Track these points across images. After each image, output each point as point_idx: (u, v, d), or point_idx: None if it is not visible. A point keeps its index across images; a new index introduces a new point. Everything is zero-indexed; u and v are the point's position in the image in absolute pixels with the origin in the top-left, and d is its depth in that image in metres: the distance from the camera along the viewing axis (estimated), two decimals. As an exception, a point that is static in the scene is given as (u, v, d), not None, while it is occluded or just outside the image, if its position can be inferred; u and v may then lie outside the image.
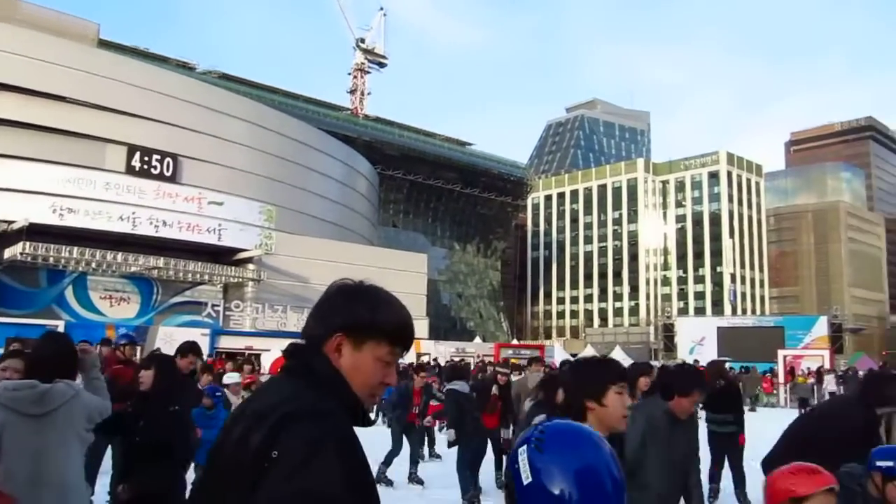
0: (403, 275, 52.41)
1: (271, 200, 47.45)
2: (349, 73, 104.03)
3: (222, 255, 44.33)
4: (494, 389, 10.88)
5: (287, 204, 50.11)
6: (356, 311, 1.77)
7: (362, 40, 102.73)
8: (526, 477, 1.42)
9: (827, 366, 32.18)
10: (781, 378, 33.56)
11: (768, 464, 4.26)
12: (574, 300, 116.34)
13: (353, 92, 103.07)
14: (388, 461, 11.14)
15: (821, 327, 52.23)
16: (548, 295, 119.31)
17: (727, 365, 27.78)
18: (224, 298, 45.68)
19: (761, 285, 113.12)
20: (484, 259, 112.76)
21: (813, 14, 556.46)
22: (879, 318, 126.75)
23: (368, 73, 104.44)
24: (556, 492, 1.38)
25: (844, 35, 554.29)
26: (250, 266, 44.94)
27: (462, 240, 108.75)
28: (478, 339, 58.68)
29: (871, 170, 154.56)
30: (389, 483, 10.81)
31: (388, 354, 1.76)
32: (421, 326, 47.33)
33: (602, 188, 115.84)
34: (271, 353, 24.72)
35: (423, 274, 58.42)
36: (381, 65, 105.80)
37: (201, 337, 26.74)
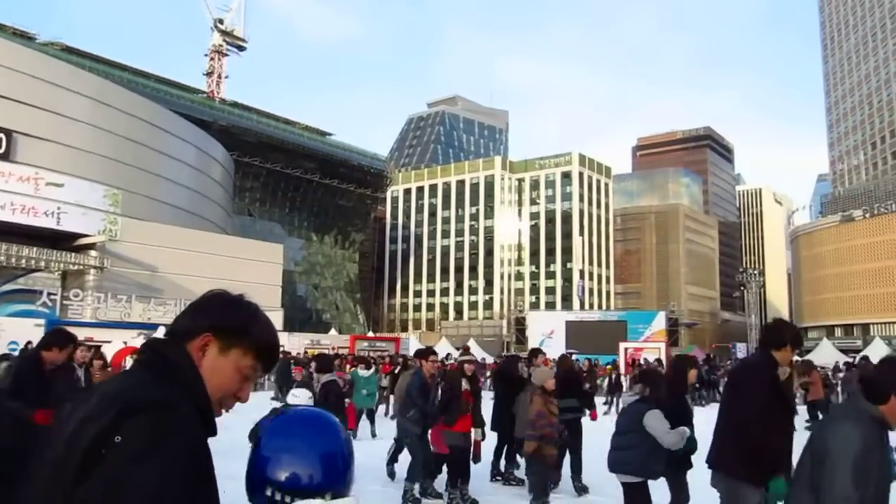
0: (258, 265, 51.14)
1: (117, 184, 44.84)
2: (206, 55, 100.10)
3: (61, 241, 41.39)
4: (464, 384, 9.42)
5: (134, 188, 47.60)
6: (232, 315, 1.73)
7: (221, 21, 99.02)
8: (256, 462, 1.54)
9: (663, 357, 34.22)
10: (623, 369, 35.55)
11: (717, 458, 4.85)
12: (431, 293, 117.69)
13: (209, 74, 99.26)
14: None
15: (659, 322, 55.51)
16: (405, 288, 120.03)
17: (573, 357, 28.98)
18: (63, 287, 42.78)
19: (607, 281, 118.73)
20: (342, 251, 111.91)
21: (661, 29, 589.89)
22: (711, 313, 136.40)
23: (227, 55, 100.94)
24: (281, 475, 1.49)
25: (689, 49, 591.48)
26: (92, 253, 42.23)
27: (320, 231, 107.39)
28: (333, 331, 58.18)
29: (707, 176, 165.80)
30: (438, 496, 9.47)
31: (250, 368, 1.71)
32: (275, 318, 46.09)
33: (461, 184, 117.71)
34: (113, 344, 23.44)
35: (278, 264, 57.19)
36: (241, 48, 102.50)
37: (35, 328, 24.98)
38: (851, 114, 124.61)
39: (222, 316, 1.72)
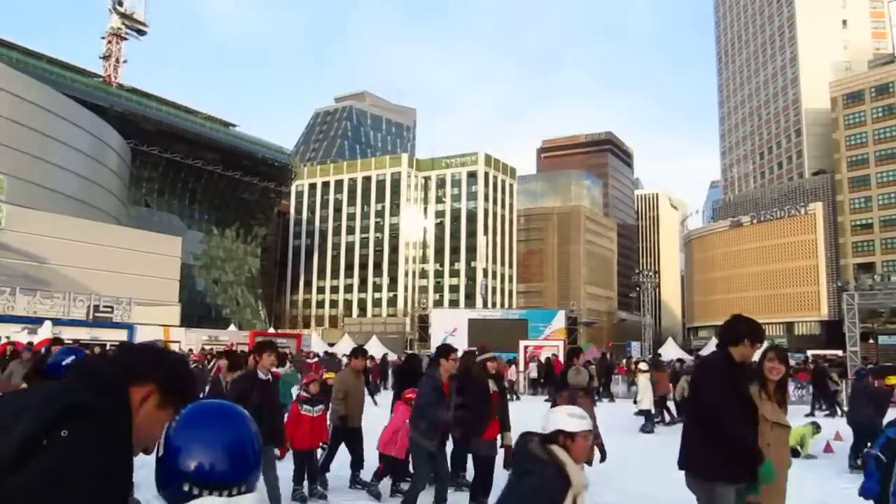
0: (154, 258, 49.46)
1: (3, 169, 42.49)
2: (103, 38, 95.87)
3: (-63, 228, 39.03)
4: (492, 385, 8.59)
5: (22, 174, 45.21)
6: (181, 376, 1.78)
7: (120, 3, 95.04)
8: (162, 451, 1.55)
9: (561, 356, 35.00)
10: (522, 366, 36.26)
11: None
12: (334, 290, 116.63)
13: (106, 58, 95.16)
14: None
15: (559, 320, 56.66)
16: (308, 284, 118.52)
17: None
18: (-62, 277, 40.21)
19: (510, 280, 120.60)
20: (244, 245, 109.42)
21: (569, 34, 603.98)
22: (609, 312, 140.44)
23: (125, 39, 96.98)
24: (191, 467, 1.50)
25: (595, 56, 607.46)
26: (-28, 241, 39.97)
27: (221, 224, 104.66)
28: (233, 327, 56.87)
29: (608, 179, 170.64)
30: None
31: (165, 422, 1.72)
32: (172, 313, 44.91)
33: (367, 180, 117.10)
34: (-6, 338, 22.16)
35: (176, 258, 55.47)
36: (141, 32, 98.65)
37: None
38: (742, 124, 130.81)
39: (173, 373, 1.75)
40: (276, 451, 8.00)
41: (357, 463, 9.76)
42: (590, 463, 8.13)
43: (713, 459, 4.57)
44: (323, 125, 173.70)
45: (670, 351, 52.79)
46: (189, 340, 36.45)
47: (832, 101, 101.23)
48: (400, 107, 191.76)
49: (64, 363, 3.68)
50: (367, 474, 9.68)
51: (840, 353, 38.14)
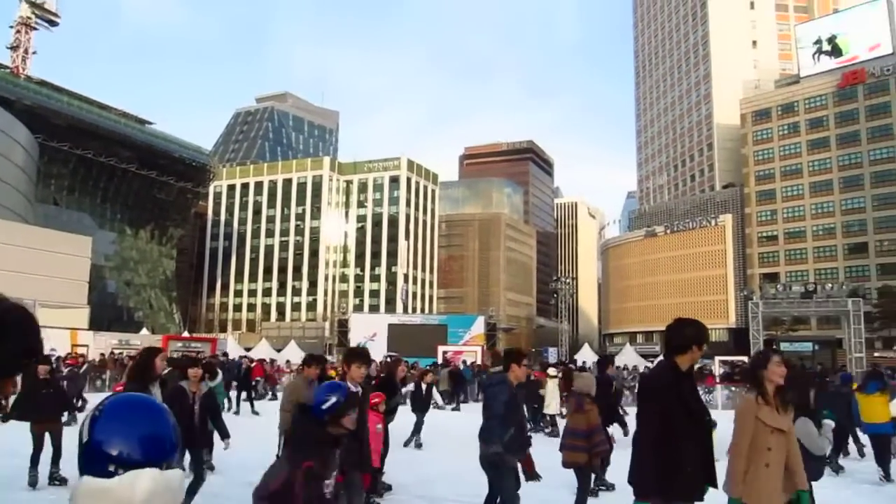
0: (62, 258, 47.51)
1: None
2: (11, 27, 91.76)
3: None
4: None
5: (-82, 168, 42.84)
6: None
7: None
8: (86, 439, 1.62)
9: (479, 361, 35.36)
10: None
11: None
12: (252, 293, 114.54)
13: (14, 48, 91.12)
14: None
15: (479, 326, 57.16)
16: (225, 287, 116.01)
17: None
18: None
19: (431, 286, 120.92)
20: (158, 246, 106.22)
21: (495, 44, 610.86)
22: (528, 318, 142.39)
23: (35, 29, 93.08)
24: (115, 452, 1.59)
25: (520, 67, 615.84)
26: None
27: (135, 224, 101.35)
28: (145, 331, 55.22)
29: (528, 187, 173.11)
30: None
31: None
32: (80, 316, 43.24)
33: (287, 182, 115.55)
34: None
35: (86, 258, 53.38)
36: (52, 23, 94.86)
37: None
38: (658, 137, 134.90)
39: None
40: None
41: None
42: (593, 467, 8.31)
43: (650, 477, 4.43)
44: (243, 125, 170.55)
45: (586, 356, 53.91)
46: (98, 344, 35.24)
47: (742, 117, 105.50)
48: (323, 109, 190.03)
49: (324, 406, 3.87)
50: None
51: (746, 359, 39.70)
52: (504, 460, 6.66)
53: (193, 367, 8.18)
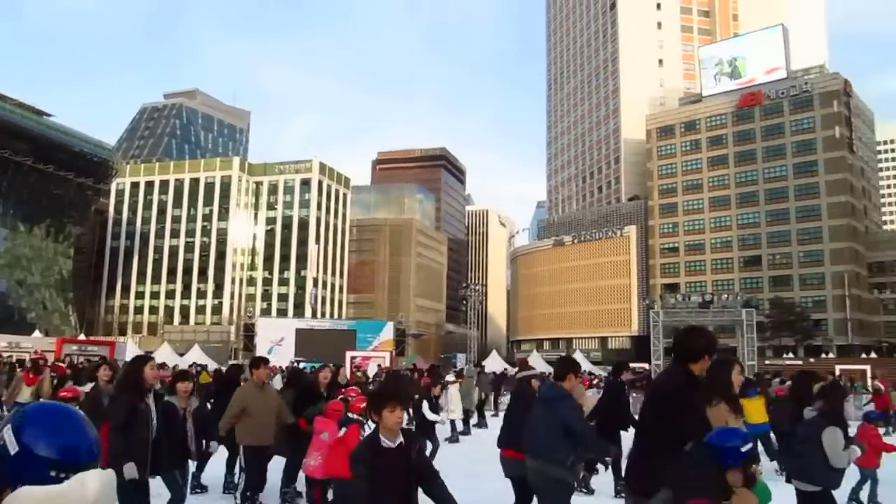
0: (-52, 254, 44.88)
1: None
2: None
3: None
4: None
5: None
6: None
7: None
8: (15, 449, 1.65)
9: (387, 365, 35.29)
10: (347, 376, 36.11)
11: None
12: (155, 295, 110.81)
13: None
14: None
15: (388, 332, 57.23)
16: (126, 288, 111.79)
17: (301, 365, 28.96)
18: None
19: (340, 291, 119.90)
20: (54, 244, 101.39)
21: (415, 53, 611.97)
22: (437, 325, 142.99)
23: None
24: (55, 456, 1.64)
25: (436, 75, 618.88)
26: None
27: (29, 220, 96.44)
28: (38, 333, 52.67)
29: (440, 194, 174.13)
30: None
31: None
32: (-34, 315, 40.89)
33: (195, 182, 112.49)
34: None
35: (-26, 255, 50.59)
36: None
37: None
38: (567, 149, 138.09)
39: None
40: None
41: (259, 486, 8.81)
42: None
43: (680, 483, 4.10)
44: (149, 121, 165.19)
45: (494, 363, 54.53)
46: (-14, 346, 33.38)
47: (647, 133, 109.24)
48: (234, 108, 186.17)
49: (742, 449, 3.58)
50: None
51: (646, 366, 41.02)
52: (567, 482, 6.41)
53: (183, 381, 7.55)
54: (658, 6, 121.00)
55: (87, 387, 9.41)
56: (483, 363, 54.23)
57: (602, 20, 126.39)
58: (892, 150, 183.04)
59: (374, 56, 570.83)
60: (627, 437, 10.07)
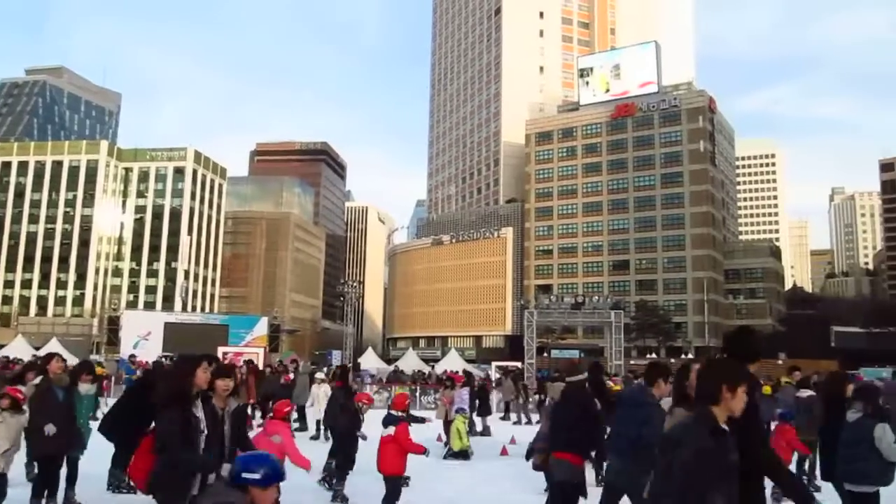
0: None
1: None
2: None
3: None
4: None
5: None
6: None
7: None
8: None
9: (260, 363, 34.44)
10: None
11: None
12: (9, 284, 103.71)
13: None
14: None
15: (261, 327, 55.76)
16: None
17: (165, 360, 27.85)
18: None
19: (213, 284, 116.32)
20: None
21: (299, 45, 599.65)
22: (313, 321, 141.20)
23: None
24: None
25: (321, 68, 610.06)
26: None
27: None
28: None
29: (320, 189, 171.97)
30: None
31: None
32: None
33: (58, 164, 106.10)
34: None
35: None
36: None
37: None
38: (448, 149, 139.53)
39: None
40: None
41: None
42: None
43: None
44: (8, 98, 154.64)
45: (369, 360, 54.44)
46: None
47: (526, 137, 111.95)
48: (103, 89, 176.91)
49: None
50: None
51: (519, 364, 42.00)
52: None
53: (224, 378, 5.99)
54: (541, 15, 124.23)
55: (37, 379, 8.58)
56: (359, 360, 54.08)
57: (486, 24, 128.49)
58: (749, 166, 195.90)
59: (256, 46, 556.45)
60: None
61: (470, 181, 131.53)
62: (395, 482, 8.09)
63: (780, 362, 54.37)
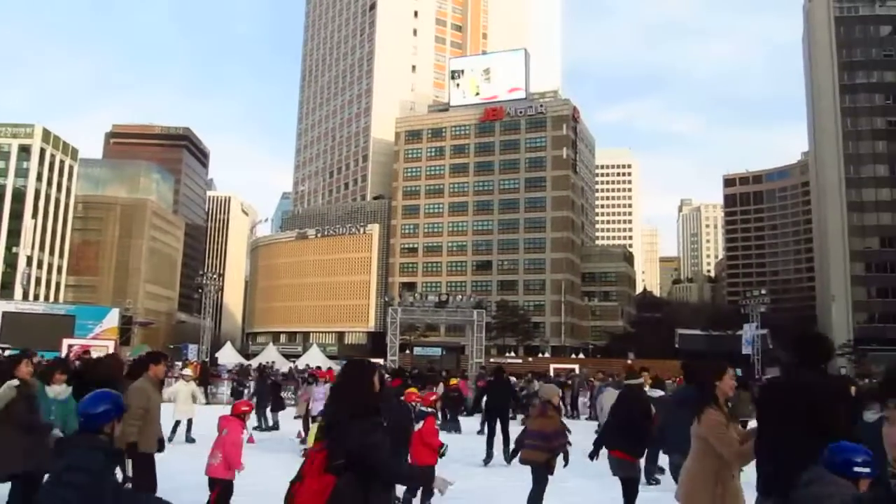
0: None
1: None
2: None
3: None
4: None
5: None
6: None
7: None
8: None
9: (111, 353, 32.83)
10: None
11: None
12: None
13: None
14: None
15: (112, 319, 53.18)
16: None
17: (6, 353, 25.97)
18: None
19: (60, 272, 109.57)
20: None
21: (165, 25, 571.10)
22: (168, 313, 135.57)
23: None
24: None
25: (187, 52, 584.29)
26: None
27: None
28: None
29: (181, 176, 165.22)
30: None
31: None
32: None
33: None
34: None
35: None
36: None
37: None
38: (317, 142, 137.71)
39: None
40: None
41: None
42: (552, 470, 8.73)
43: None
44: None
45: (227, 355, 52.95)
46: None
47: (396, 135, 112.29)
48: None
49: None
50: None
51: (382, 360, 42.05)
52: None
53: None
54: (416, 14, 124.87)
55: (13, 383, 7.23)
56: (216, 355, 52.48)
57: (361, 19, 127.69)
58: (607, 174, 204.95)
59: (121, 25, 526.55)
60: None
61: (338, 176, 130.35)
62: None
63: (629, 361, 57.24)
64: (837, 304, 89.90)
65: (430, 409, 9.37)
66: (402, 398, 10.16)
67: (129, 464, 7.32)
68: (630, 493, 8.26)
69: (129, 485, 7.53)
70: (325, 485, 3.73)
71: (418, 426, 9.04)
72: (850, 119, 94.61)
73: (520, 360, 74.58)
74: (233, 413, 8.01)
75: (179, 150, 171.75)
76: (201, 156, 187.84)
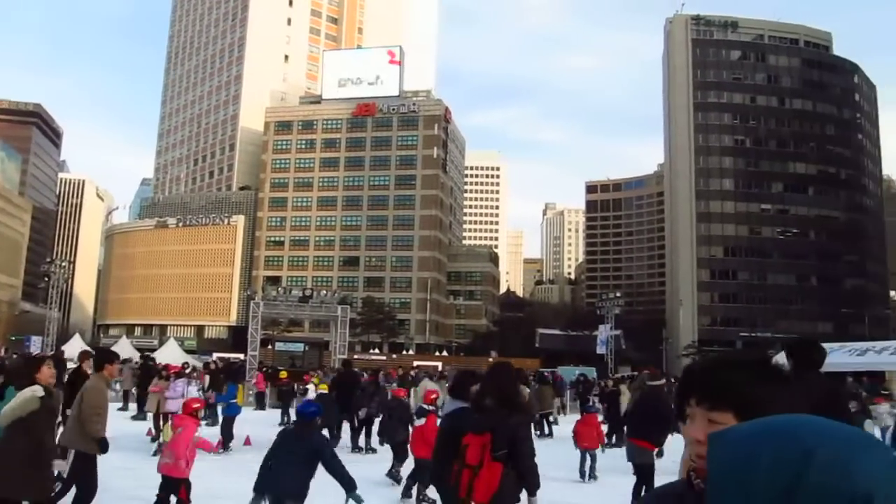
0: None
1: None
2: None
3: None
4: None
5: None
6: None
7: None
8: None
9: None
10: None
11: None
12: None
13: None
14: None
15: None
16: None
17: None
18: None
19: None
20: None
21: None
22: (11, 303, 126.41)
23: None
24: None
25: (41, 20, 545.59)
26: None
27: None
28: None
29: (29, 156, 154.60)
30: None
31: None
32: None
33: None
34: None
35: None
36: None
37: None
38: (181, 128, 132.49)
39: None
40: None
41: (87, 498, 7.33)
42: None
43: None
44: None
45: (75, 348, 50.06)
46: None
47: (266, 125, 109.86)
48: None
49: None
50: None
51: (242, 356, 41.06)
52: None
53: None
54: (290, 3, 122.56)
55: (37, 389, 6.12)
56: (63, 348, 49.52)
57: (234, 2, 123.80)
58: (476, 176, 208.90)
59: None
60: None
61: (202, 164, 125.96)
62: (422, 464, 9.33)
63: (490, 360, 58.63)
64: (685, 308, 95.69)
65: (431, 407, 9.93)
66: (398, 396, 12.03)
67: (68, 464, 7.40)
68: (646, 477, 9.31)
69: (59, 484, 7.43)
70: (496, 471, 4.65)
71: (419, 422, 9.79)
72: (702, 135, 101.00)
73: (384, 357, 74.82)
74: (185, 412, 8.21)
75: (29, 127, 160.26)
76: (53, 135, 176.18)
